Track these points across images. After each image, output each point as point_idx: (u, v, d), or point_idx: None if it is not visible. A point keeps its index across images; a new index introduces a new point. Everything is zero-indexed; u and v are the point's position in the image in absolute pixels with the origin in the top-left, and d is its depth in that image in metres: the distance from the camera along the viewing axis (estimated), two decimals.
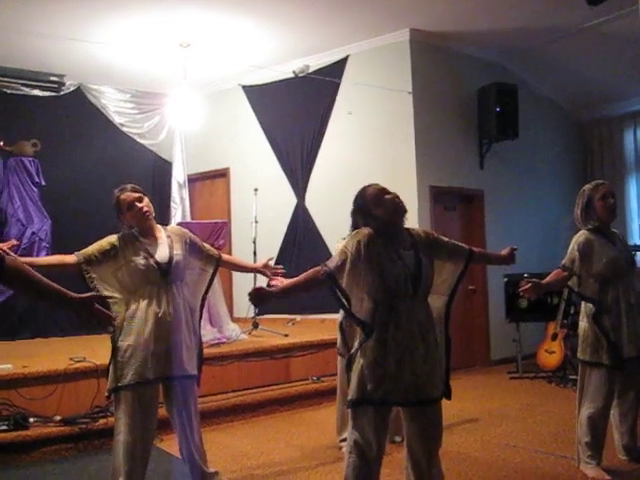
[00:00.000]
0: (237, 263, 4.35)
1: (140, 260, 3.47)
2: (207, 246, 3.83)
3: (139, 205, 3.55)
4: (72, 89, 8.48)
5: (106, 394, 3.55)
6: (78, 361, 5.15)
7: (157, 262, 3.49)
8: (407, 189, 7.54)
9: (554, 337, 7.19)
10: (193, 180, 9.34)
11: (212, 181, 9.59)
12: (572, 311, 7.44)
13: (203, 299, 3.77)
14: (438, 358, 3.03)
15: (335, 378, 6.34)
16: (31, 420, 4.64)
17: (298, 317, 8.25)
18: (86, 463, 4.42)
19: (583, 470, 3.95)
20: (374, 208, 3.09)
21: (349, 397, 2.97)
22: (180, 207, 8.93)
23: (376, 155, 7.85)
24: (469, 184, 8.04)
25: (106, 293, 3.38)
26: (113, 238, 3.54)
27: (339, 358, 4.50)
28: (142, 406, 3.40)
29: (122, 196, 3.57)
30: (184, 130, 8.53)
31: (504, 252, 3.46)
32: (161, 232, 3.66)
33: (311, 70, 8.23)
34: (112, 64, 8.05)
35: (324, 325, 7.80)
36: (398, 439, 4.49)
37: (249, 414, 5.63)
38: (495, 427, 5.20)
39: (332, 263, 2.98)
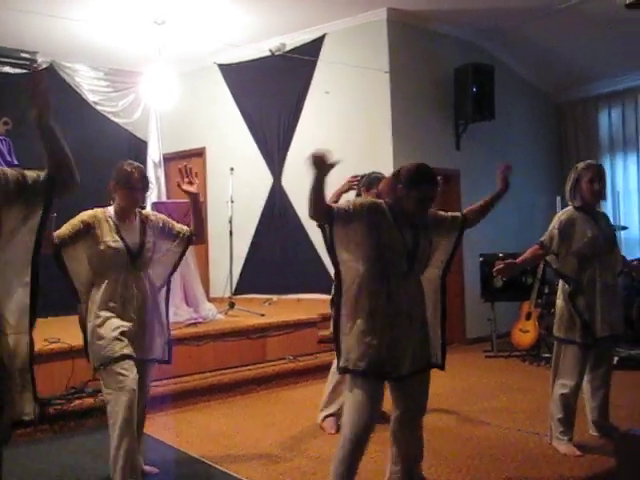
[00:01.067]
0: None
1: (111, 242, 3.45)
2: (178, 226, 3.76)
3: (133, 192, 3.52)
4: (44, 66, 8.33)
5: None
6: (53, 342, 5.11)
7: (127, 246, 3.47)
8: (384, 168, 7.48)
9: (528, 316, 7.27)
10: (169, 159, 9.25)
11: (188, 160, 9.44)
12: (546, 290, 7.53)
13: (168, 280, 3.75)
14: (424, 334, 3.13)
15: (313, 357, 6.42)
16: None
17: (275, 297, 8.26)
18: (62, 444, 4.40)
19: (556, 446, 4.02)
20: (407, 185, 3.04)
21: (339, 364, 3.05)
22: (156, 186, 8.87)
23: (353, 134, 7.84)
24: (445, 164, 8.05)
25: (75, 280, 3.45)
26: (86, 216, 3.49)
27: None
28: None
29: (129, 169, 3.52)
30: (159, 109, 8.45)
31: (497, 182, 3.48)
32: (135, 216, 3.62)
33: (288, 48, 8.18)
34: (86, 41, 7.91)
35: (300, 305, 7.82)
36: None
37: (226, 394, 5.64)
38: (470, 404, 5.26)
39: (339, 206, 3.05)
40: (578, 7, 7.30)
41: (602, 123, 9.58)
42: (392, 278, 3.01)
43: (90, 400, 4.78)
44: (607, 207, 9.36)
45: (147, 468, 3.72)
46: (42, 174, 2.39)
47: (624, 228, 8.15)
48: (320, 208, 2.98)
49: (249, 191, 8.39)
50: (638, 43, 7.90)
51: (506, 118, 8.51)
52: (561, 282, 4.11)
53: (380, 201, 3.11)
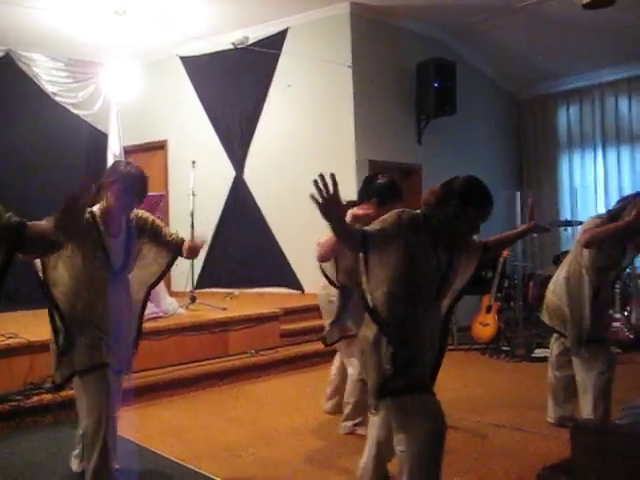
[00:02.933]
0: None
1: (96, 253, 3.21)
2: (169, 234, 3.51)
3: (134, 198, 3.28)
4: (0, 56, 8.15)
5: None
6: (9, 337, 5.02)
7: (110, 261, 3.25)
8: (346, 163, 7.57)
9: (488, 310, 7.37)
10: (130, 152, 9.14)
11: (150, 153, 9.40)
12: (506, 284, 7.65)
13: (148, 292, 3.55)
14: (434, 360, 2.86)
15: (274, 351, 6.41)
16: None
17: (236, 291, 8.23)
18: (18, 441, 4.33)
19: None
20: (466, 202, 2.68)
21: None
22: None
23: (315, 129, 7.84)
24: (407, 159, 8.11)
25: (51, 282, 3.20)
26: None
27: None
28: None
29: (131, 170, 3.27)
30: (120, 100, 8.34)
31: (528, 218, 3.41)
32: (122, 225, 3.34)
33: (250, 42, 8.15)
34: (45, 30, 7.75)
35: (263, 299, 7.81)
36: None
37: (188, 388, 5.60)
38: None
39: (370, 228, 2.63)
40: (538, 6, 7.41)
41: (560, 120, 9.74)
42: (419, 304, 2.69)
43: (49, 396, 4.70)
44: (565, 203, 9.55)
45: None
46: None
47: (581, 223, 8.29)
48: (353, 243, 2.60)
49: (211, 184, 8.34)
50: (596, 42, 8.05)
51: (467, 113, 8.59)
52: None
53: (419, 215, 2.72)
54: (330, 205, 2.36)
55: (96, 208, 3.27)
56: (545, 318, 4.42)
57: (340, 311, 4.19)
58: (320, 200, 2.34)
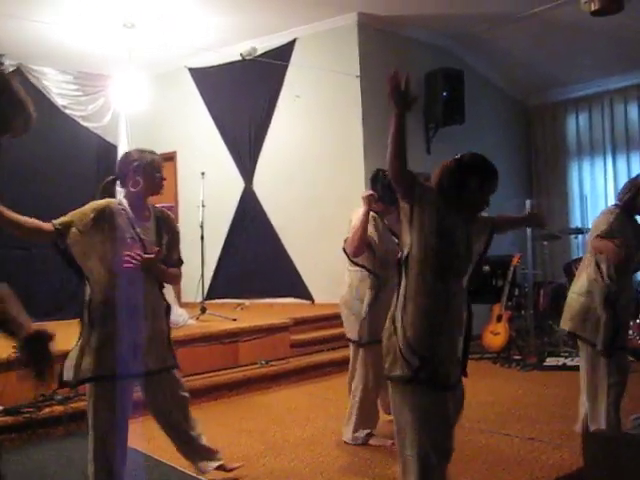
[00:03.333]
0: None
1: (128, 237, 3.16)
2: (178, 252, 3.47)
3: (161, 175, 3.37)
4: (11, 69, 8.20)
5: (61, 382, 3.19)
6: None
7: (144, 245, 3.19)
8: (355, 172, 7.58)
9: (499, 319, 7.33)
10: None
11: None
12: (516, 293, 7.61)
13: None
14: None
15: (285, 362, 6.40)
16: None
17: (247, 302, 8.23)
18: (31, 453, 4.33)
19: None
20: (480, 176, 2.77)
21: (395, 373, 2.66)
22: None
23: (324, 139, 7.86)
24: (416, 168, 7.92)
25: (85, 272, 3.10)
26: (99, 205, 3.16)
27: (358, 349, 4.31)
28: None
29: (152, 156, 3.36)
30: (129, 113, 8.37)
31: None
32: (150, 212, 3.34)
33: (258, 53, 8.18)
34: (54, 44, 7.83)
35: (273, 309, 7.81)
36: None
37: (197, 399, 5.57)
38: None
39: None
40: (546, 14, 7.41)
41: (570, 128, 9.73)
42: (452, 278, 2.67)
43: (60, 408, 4.71)
44: (575, 211, 9.51)
45: None
46: None
47: None
48: (403, 165, 2.59)
49: (220, 195, 8.36)
50: (605, 49, 8.05)
51: (476, 122, 8.59)
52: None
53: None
54: (402, 94, 2.53)
55: (121, 197, 3.30)
56: (568, 326, 4.18)
57: (372, 301, 4.17)
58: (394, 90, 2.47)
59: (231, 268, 8.55)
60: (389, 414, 4.21)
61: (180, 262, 3.46)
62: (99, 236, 3.10)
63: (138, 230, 3.21)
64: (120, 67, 7.75)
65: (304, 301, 8.05)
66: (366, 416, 4.32)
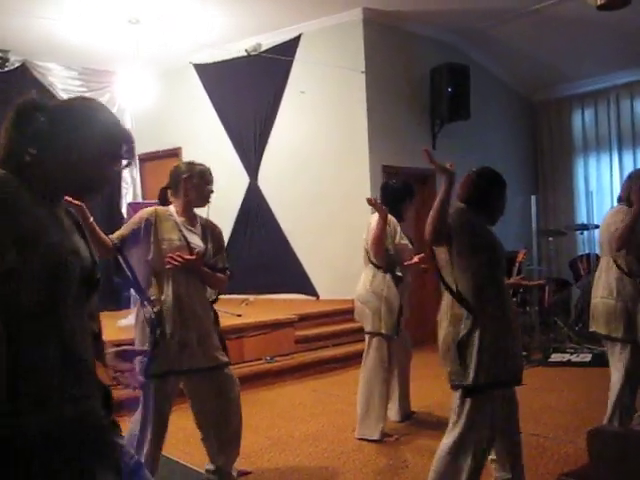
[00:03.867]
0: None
1: (176, 240, 3.34)
2: (223, 260, 3.58)
3: (210, 187, 3.52)
4: (17, 65, 8.23)
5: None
6: None
7: (190, 247, 3.36)
8: (360, 169, 7.57)
9: None
10: (144, 160, 9.19)
11: (164, 161, 9.43)
12: (521, 289, 7.58)
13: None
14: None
15: (290, 358, 6.41)
16: None
17: (252, 297, 8.24)
18: None
19: None
20: (500, 186, 3.10)
21: (468, 382, 2.76)
22: (131, 187, 8.81)
23: (329, 135, 7.85)
24: (421, 164, 7.98)
25: (140, 275, 3.30)
26: (146, 213, 3.37)
27: (374, 340, 4.43)
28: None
29: (202, 169, 3.49)
30: (135, 109, 8.38)
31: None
32: (197, 220, 3.53)
33: (263, 48, 8.17)
34: (60, 40, 7.83)
35: (278, 305, 7.81)
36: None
37: None
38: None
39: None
40: (552, 9, 7.38)
41: (575, 123, 9.69)
42: (501, 281, 2.95)
43: None
44: (580, 207, 9.49)
45: None
46: None
47: (597, 227, 8.23)
48: (445, 226, 2.78)
49: (225, 191, 8.31)
50: (611, 44, 8.01)
51: (481, 118, 8.57)
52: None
53: (463, 207, 3.01)
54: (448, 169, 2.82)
55: (171, 208, 3.46)
56: (603, 330, 4.04)
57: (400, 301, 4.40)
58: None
59: (236, 263, 8.53)
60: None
61: (225, 269, 3.56)
62: (149, 240, 3.31)
63: (185, 234, 3.39)
64: (125, 63, 7.76)
65: (309, 297, 8.06)
66: (385, 409, 4.40)
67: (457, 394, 2.81)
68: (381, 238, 4.27)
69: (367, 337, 4.48)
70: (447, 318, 2.84)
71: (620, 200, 4.07)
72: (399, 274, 4.44)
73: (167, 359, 3.26)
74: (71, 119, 1.61)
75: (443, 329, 2.85)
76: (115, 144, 1.67)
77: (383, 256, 4.38)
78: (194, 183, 3.45)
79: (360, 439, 4.35)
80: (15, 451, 1.44)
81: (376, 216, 4.30)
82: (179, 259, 3.26)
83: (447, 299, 2.87)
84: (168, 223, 3.37)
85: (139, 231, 3.32)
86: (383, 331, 4.36)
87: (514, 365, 2.86)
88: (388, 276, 4.40)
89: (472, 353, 2.72)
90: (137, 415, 3.40)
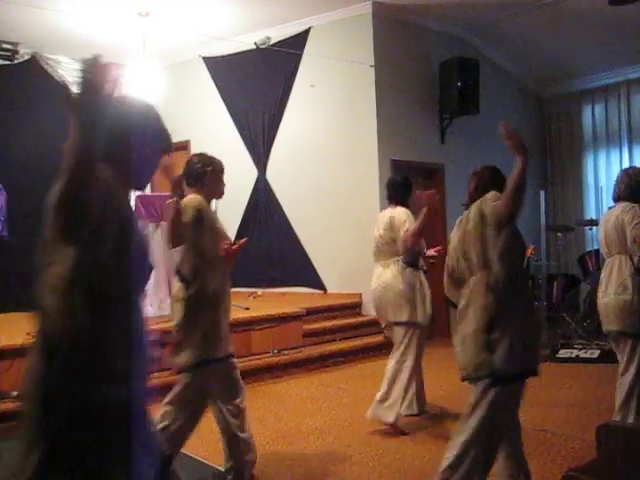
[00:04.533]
0: None
1: (222, 230, 3.49)
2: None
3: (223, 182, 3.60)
4: (27, 57, 8.25)
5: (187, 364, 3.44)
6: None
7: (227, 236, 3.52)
8: (368, 162, 7.56)
9: None
10: None
11: (172, 153, 9.43)
12: (530, 284, 7.56)
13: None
14: None
15: (297, 351, 6.42)
16: None
17: (259, 291, 8.25)
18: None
19: None
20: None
21: (498, 372, 2.78)
22: None
23: (338, 128, 7.84)
24: (430, 158, 8.07)
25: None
26: (197, 202, 3.37)
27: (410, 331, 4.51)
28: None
29: (221, 164, 3.56)
30: None
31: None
32: None
33: (273, 42, 8.16)
34: (69, 33, 7.85)
35: (285, 299, 7.82)
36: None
37: None
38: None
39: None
40: (562, 3, 7.34)
41: (585, 118, 9.64)
42: (525, 272, 3.03)
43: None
44: (590, 202, 9.45)
45: None
46: None
47: None
48: (520, 207, 2.94)
49: (234, 184, 8.27)
50: (621, 39, 7.96)
51: (490, 112, 8.52)
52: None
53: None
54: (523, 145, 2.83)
55: (200, 197, 3.41)
56: (616, 325, 4.04)
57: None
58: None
59: (244, 257, 8.54)
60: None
61: None
62: (201, 229, 3.32)
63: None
64: (134, 56, 7.76)
65: (316, 291, 8.06)
66: (404, 396, 4.43)
67: (478, 386, 2.80)
68: (424, 231, 4.33)
69: (400, 327, 4.50)
70: (474, 308, 2.80)
71: (618, 198, 4.07)
72: (424, 267, 4.62)
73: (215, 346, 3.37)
74: (139, 119, 1.84)
75: (470, 320, 2.80)
76: (169, 139, 1.99)
77: (416, 249, 4.48)
78: (218, 176, 3.52)
79: (390, 423, 4.34)
80: (109, 417, 1.62)
81: (391, 212, 4.49)
82: (230, 248, 3.34)
83: (476, 288, 2.83)
84: (211, 213, 3.47)
85: (191, 220, 3.29)
86: (419, 320, 4.48)
87: (538, 355, 2.90)
88: (415, 269, 4.55)
89: (505, 342, 2.70)
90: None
